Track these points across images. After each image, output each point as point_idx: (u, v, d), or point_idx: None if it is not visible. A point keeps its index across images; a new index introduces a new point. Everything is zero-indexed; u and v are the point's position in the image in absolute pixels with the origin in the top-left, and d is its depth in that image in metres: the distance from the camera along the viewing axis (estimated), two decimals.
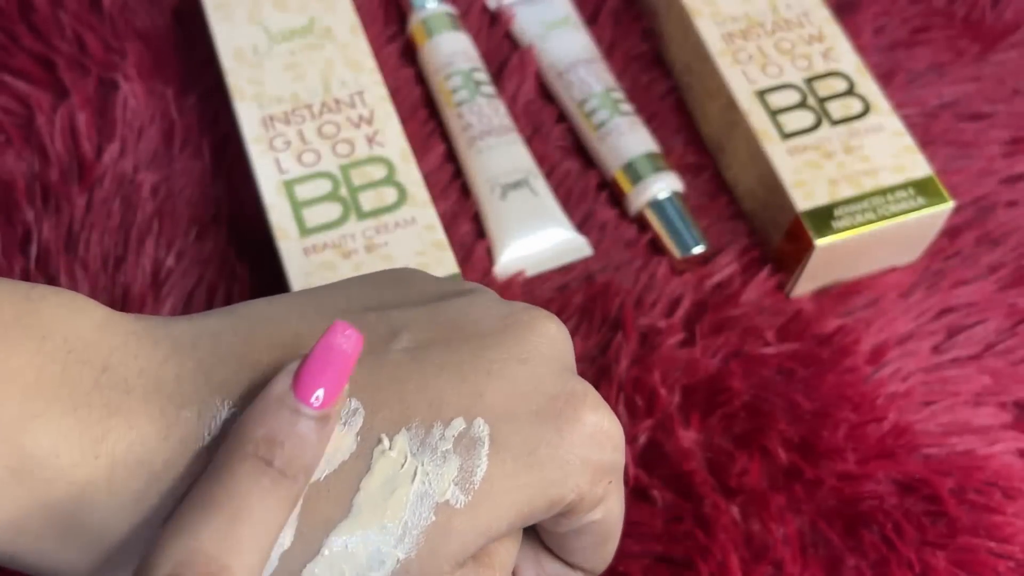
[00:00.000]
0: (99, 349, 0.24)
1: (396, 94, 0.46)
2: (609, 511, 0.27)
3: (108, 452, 0.23)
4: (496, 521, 0.24)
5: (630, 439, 0.39)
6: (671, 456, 0.39)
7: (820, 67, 0.44)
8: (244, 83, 0.43)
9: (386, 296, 0.27)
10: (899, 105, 0.46)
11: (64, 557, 0.23)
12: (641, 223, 0.45)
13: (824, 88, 0.44)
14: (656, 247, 0.44)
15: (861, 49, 0.47)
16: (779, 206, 0.42)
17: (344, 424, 0.24)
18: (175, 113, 0.46)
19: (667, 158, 0.46)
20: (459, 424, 0.24)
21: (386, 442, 0.24)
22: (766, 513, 0.38)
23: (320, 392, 0.22)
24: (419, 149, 0.45)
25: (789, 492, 0.38)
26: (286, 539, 0.23)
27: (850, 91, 0.44)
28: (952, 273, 0.44)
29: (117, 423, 0.23)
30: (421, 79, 0.48)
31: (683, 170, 0.46)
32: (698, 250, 0.43)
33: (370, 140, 0.41)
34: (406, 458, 0.24)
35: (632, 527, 0.38)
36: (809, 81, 0.44)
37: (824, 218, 0.41)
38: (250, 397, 0.24)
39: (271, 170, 0.40)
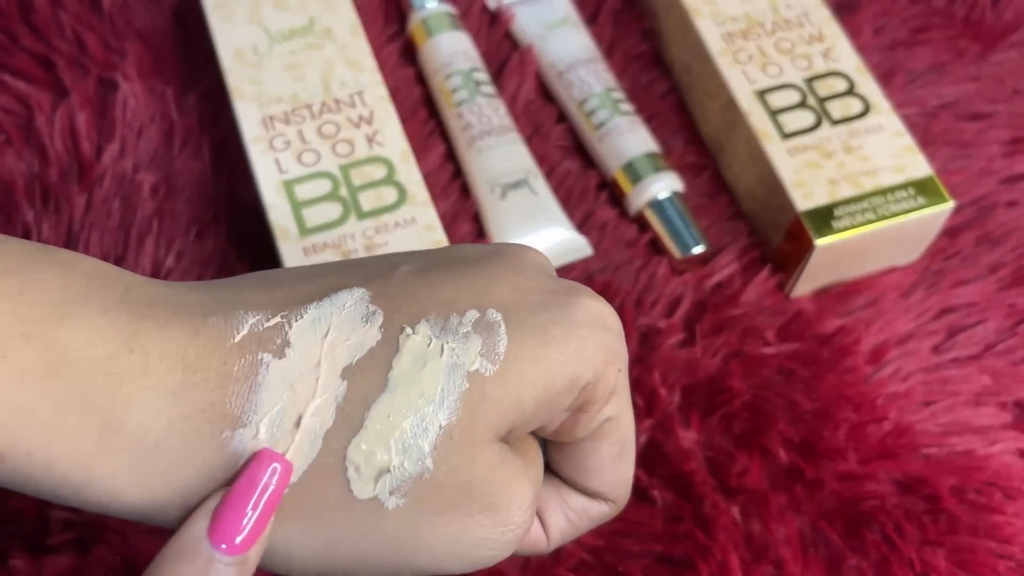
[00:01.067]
0: (119, 278, 0.24)
1: (396, 94, 0.46)
2: (622, 409, 0.28)
3: (141, 346, 0.23)
4: (525, 391, 0.25)
5: None
6: (671, 456, 0.39)
7: (820, 67, 0.44)
8: (244, 83, 0.42)
9: (377, 256, 0.29)
10: (899, 105, 0.46)
11: (105, 467, 0.23)
12: (641, 223, 0.45)
13: (824, 88, 0.44)
14: (656, 247, 0.44)
15: (861, 49, 0.47)
16: (779, 206, 0.42)
17: (365, 321, 0.25)
18: (175, 113, 0.46)
19: (667, 158, 0.46)
20: (473, 314, 0.25)
21: (409, 329, 0.25)
22: (766, 513, 0.38)
23: (240, 537, 0.23)
24: (419, 149, 0.45)
25: (789, 492, 0.38)
26: (327, 419, 0.24)
27: (850, 91, 0.44)
28: (952, 273, 0.44)
29: (147, 325, 0.23)
30: (421, 79, 0.48)
31: (683, 170, 0.46)
32: (698, 250, 0.43)
33: (370, 140, 0.41)
34: (431, 340, 0.25)
35: (632, 527, 0.38)
36: (809, 81, 0.44)
37: (824, 218, 0.41)
38: (271, 309, 0.25)
39: (271, 170, 0.40)
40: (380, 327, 0.25)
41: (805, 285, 0.43)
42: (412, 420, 0.24)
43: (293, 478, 0.24)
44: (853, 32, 0.48)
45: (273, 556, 0.25)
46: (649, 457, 0.39)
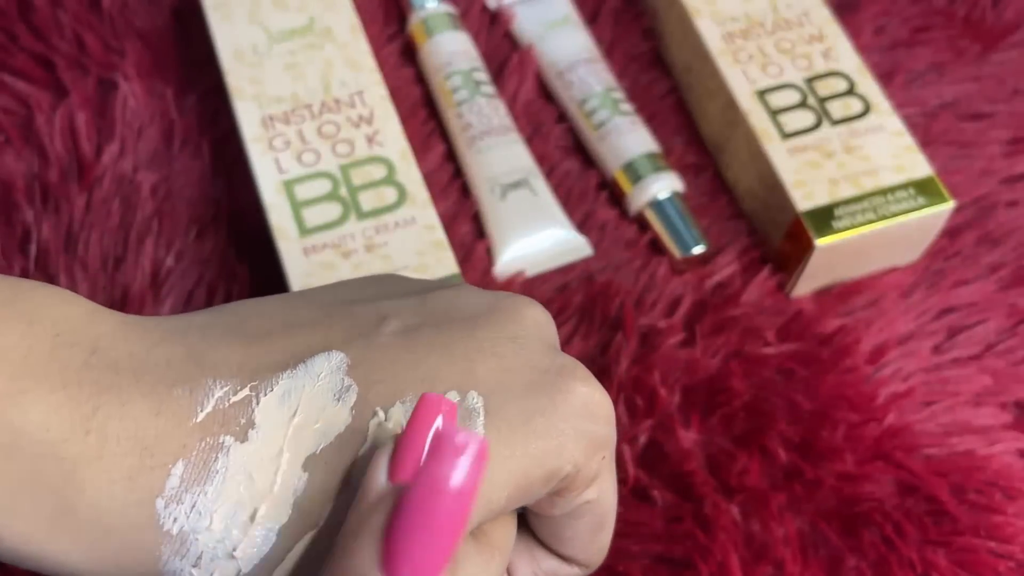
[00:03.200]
0: (87, 334, 0.23)
1: (396, 94, 0.46)
2: (604, 491, 0.27)
3: (99, 427, 0.22)
4: (496, 492, 0.24)
5: (630, 439, 0.39)
6: (671, 456, 0.39)
7: (820, 67, 0.44)
8: (244, 83, 0.42)
9: (369, 292, 0.27)
10: (899, 105, 0.46)
11: (58, 546, 0.23)
12: (641, 223, 0.44)
13: (824, 88, 0.44)
14: (656, 247, 0.44)
15: (861, 49, 0.47)
16: (779, 206, 0.42)
17: (338, 400, 0.24)
18: (175, 113, 0.46)
19: (667, 158, 0.45)
20: (453, 397, 0.24)
21: (381, 414, 0.24)
22: (766, 513, 0.38)
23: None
24: (419, 149, 0.45)
25: (789, 492, 0.38)
26: (283, 515, 0.23)
27: (850, 91, 0.44)
28: (952, 273, 0.44)
29: (107, 400, 0.22)
30: (421, 79, 0.48)
31: (683, 170, 0.46)
32: (698, 250, 0.43)
33: (370, 140, 0.41)
34: (402, 430, 0.23)
35: (632, 527, 0.38)
36: (809, 81, 0.44)
37: (824, 218, 0.41)
38: (240, 376, 0.23)
39: (271, 170, 0.40)
40: (351, 408, 0.24)
41: (805, 285, 0.43)
42: None
43: (244, 569, 0.23)
44: (853, 32, 0.48)
45: None
46: (649, 457, 0.39)
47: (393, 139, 0.41)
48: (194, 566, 0.23)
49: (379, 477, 0.22)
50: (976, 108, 0.48)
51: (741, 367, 0.41)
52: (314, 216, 0.39)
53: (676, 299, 0.43)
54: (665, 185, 0.44)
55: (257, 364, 0.24)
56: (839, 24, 0.46)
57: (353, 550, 0.21)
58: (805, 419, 0.40)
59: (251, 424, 0.23)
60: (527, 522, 0.29)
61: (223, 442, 0.23)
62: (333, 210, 0.40)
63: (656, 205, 0.44)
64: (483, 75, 0.46)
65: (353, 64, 0.43)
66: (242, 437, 0.23)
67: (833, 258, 0.41)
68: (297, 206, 0.40)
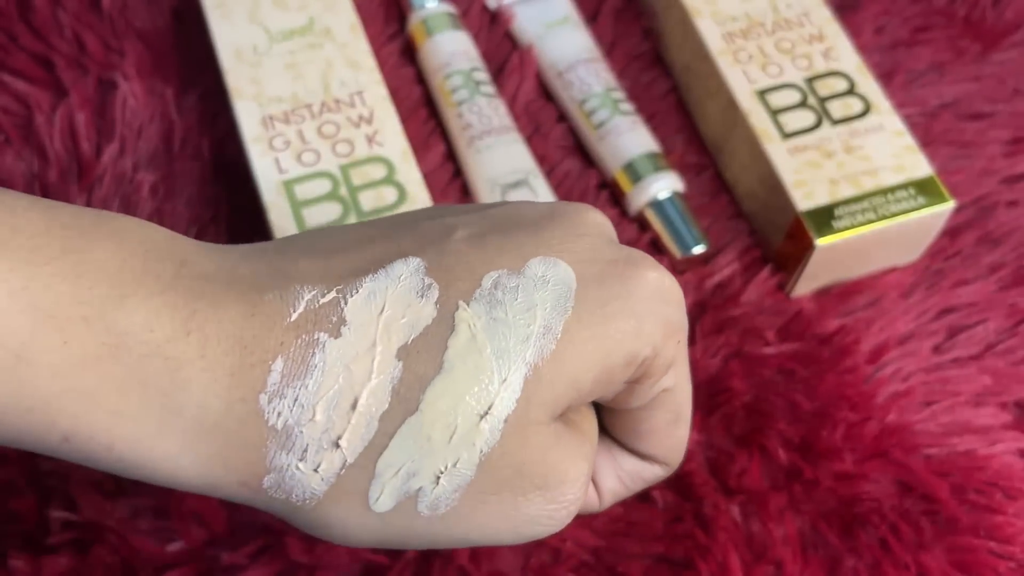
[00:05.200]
0: (173, 251, 0.24)
1: (396, 94, 0.46)
2: (680, 379, 0.28)
3: (198, 328, 0.23)
4: (582, 371, 0.25)
5: None
6: None
7: (820, 67, 0.44)
8: (244, 83, 0.42)
9: (428, 213, 0.28)
10: (900, 105, 0.46)
11: (166, 448, 0.23)
12: (641, 223, 0.44)
13: (824, 88, 0.44)
14: (656, 247, 0.44)
15: (862, 48, 0.47)
16: (779, 206, 0.42)
17: (421, 297, 0.25)
18: (174, 113, 0.46)
19: (667, 158, 0.45)
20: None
21: (465, 307, 0.25)
22: (766, 513, 0.38)
23: None
24: (419, 149, 0.45)
25: (789, 492, 0.38)
26: (383, 401, 0.24)
27: (851, 91, 0.44)
28: (953, 273, 0.44)
29: (203, 305, 0.24)
30: (421, 78, 0.48)
31: (683, 170, 0.46)
32: (698, 250, 0.43)
33: (370, 140, 0.41)
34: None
35: (632, 528, 0.38)
36: (809, 81, 0.44)
37: (824, 218, 0.41)
38: (325, 282, 0.25)
39: (271, 170, 0.40)
40: (436, 303, 0.25)
41: (805, 285, 0.43)
42: (466, 403, 0.24)
43: (349, 459, 0.24)
44: (854, 32, 0.48)
45: (330, 529, 0.25)
46: None
47: (393, 139, 0.41)
48: (300, 459, 0.24)
49: None
50: (976, 108, 0.48)
51: (741, 367, 0.41)
52: (314, 216, 0.39)
53: None
54: (665, 185, 0.44)
55: (340, 272, 0.25)
56: (839, 24, 0.46)
57: None
58: (805, 419, 0.40)
59: (343, 321, 0.24)
60: (605, 427, 0.30)
61: (318, 338, 0.24)
62: (333, 210, 0.40)
63: (656, 205, 0.44)
64: (483, 75, 0.46)
65: (353, 64, 0.43)
66: (335, 333, 0.24)
67: (833, 258, 0.41)
68: (297, 206, 0.40)
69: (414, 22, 0.48)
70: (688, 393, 0.29)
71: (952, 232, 0.45)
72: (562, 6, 0.49)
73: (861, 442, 0.39)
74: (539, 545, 0.37)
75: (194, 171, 0.45)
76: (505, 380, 0.24)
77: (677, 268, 0.43)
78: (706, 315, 0.42)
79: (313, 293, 0.24)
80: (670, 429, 0.29)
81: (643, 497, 0.38)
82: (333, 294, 0.24)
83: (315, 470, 0.24)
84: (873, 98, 0.43)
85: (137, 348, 0.23)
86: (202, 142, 0.45)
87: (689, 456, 0.39)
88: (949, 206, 0.41)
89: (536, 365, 0.25)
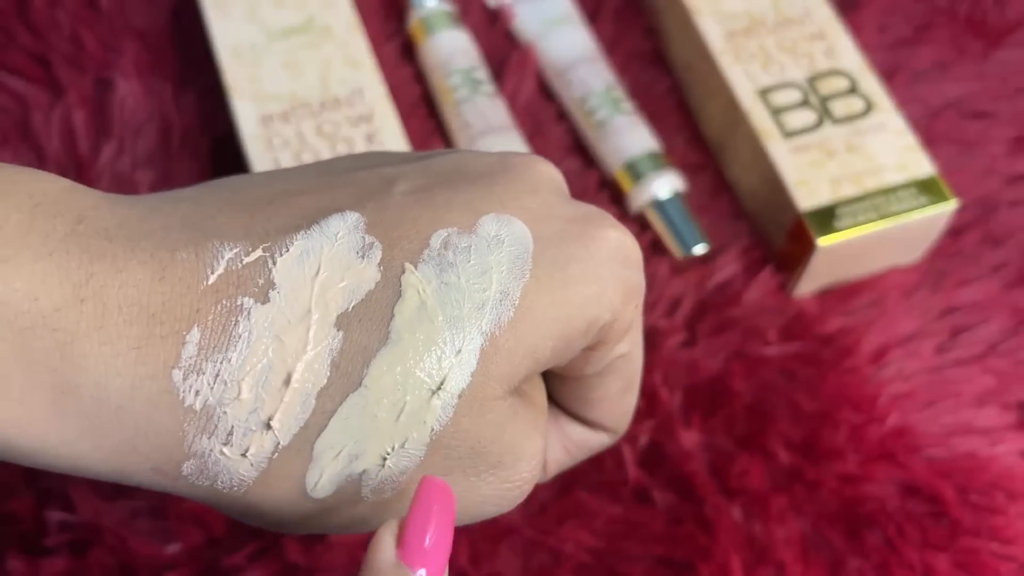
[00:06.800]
0: (70, 205, 0.21)
1: (395, 92, 0.46)
2: (635, 345, 0.26)
3: (95, 294, 0.20)
4: (540, 340, 0.23)
5: (631, 440, 0.39)
6: (672, 457, 0.39)
7: (822, 65, 0.44)
8: (242, 81, 0.42)
9: (365, 162, 0.26)
10: (902, 103, 0.46)
11: (62, 433, 0.20)
12: (642, 222, 0.44)
13: (826, 87, 0.43)
14: (657, 247, 0.44)
15: (864, 47, 0.47)
16: (781, 205, 0.42)
17: (362, 258, 0.22)
18: (173, 112, 0.46)
19: (668, 157, 0.45)
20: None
21: (412, 269, 0.22)
22: (767, 514, 0.38)
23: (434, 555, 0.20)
24: (419, 148, 0.45)
25: (790, 493, 0.38)
26: (321, 376, 0.21)
27: (852, 90, 0.43)
28: (955, 273, 0.44)
29: (102, 267, 0.20)
30: (420, 77, 0.48)
31: (684, 169, 0.46)
32: (699, 250, 0.43)
33: (369, 139, 0.41)
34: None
35: (633, 529, 0.37)
36: (811, 79, 0.44)
37: (826, 217, 0.40)
38: (249, 239, 0.22)
39: (270, 169, 0.40)
40: (379, 265, 0.22)
41: (807, 285, 0.42)
42: (416, 377, 0.22)
43: (283, 441, 0.22)
44: (856, 30, 0.48)
45: (264, 517, 0.23)
46: (650, 458, 0.39)
47: (393, 138, 0.41)
48: (225, 443, 0.21)
49: (387, 553, 0.20)
50: (979, 107, 0.48)
51: (742, 367, 0.41)
52: None
53: (677, 299, 0.42)
54: (666, 184, 0.44)
55: (265, 228, 0.22)
56: (841, 22, 0.45)
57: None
58: (807, 420, 0.40)
59: (271, 285, 0.21)
60: (552, 395, 0.28)
61: (242, 304, 0.21)
62: None
63: (657, 204, 0.44)
64: (483, 73, 0.46)
65: (352, 62, 0.43)
66: (263, 298, 0.21)
67: (835, 258, 0.41)
68: None
69: (414, 20, 0.48)
70: (640, 359, 0.27)
71: (955, 231, 0.45)
72: (562, 4, 0.49)
73: (863, 443, 0.39)
74: (539, 546, 0.37)
75: (192, 170, 0.45)
76: (459, 351, 0.22)
77: (678, 268, 0.43)
78: (707, 315, 0.42)
79: (235, 252, 0.21)
80: (621, 396, 0.28)
81: (644, 498, 0.38)
82: (259, 252, 0.21)
83: (243, 454, 0.21)
84: (875, 97, 0.43)
85: (18, 320, 0.19)
86: (200, 141, 0.45)
87: (690, 457, 0.38)
88: (951, 205, 0.41)
89: (493, 335, 0.22)
